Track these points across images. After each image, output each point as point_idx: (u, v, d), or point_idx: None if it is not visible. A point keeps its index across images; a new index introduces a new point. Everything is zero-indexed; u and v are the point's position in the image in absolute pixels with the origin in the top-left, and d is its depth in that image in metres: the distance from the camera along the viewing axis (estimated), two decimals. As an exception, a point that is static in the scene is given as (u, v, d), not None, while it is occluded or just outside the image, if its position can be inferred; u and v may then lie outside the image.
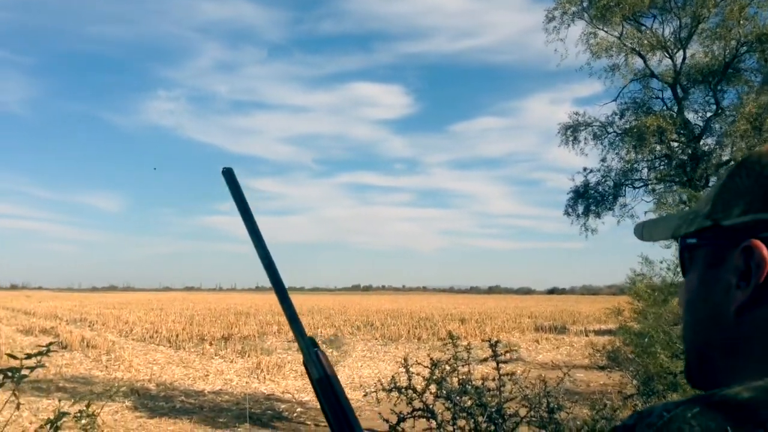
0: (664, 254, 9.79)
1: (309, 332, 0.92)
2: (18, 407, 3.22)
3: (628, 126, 12.73)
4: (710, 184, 11.51)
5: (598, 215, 13.53)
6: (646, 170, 13.24)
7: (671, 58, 12.42)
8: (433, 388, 5.33)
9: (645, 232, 0.79)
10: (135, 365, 15.67)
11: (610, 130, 13.25)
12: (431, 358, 5.55)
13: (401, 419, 5.09)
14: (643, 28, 12.78)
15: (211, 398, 11.95)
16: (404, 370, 5.48)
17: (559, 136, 13.78)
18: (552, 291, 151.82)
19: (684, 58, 12.30)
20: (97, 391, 11.54)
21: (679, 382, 6.51)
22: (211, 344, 20.77)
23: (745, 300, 0.61)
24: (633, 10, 11.89)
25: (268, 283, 0.98)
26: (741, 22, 11.22)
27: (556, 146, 17.68)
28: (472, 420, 5.05)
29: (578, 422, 5.47)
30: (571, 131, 13.64)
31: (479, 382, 5.27)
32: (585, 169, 13.60)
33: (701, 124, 12.65)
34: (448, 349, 5.61)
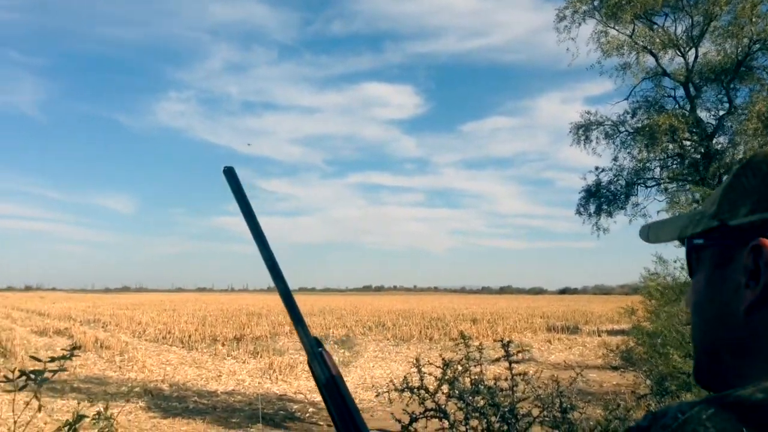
0: (678, 253, 9.73)
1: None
2: (40, 410, 3.23)
3: (640, 125, 12.65)
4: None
5: (610, 214, 13.44)
6: (658, 169, 13.15)
7: (683, 56, 12.33)
8: (445, 388, 5.34)
9: (651, 234, 0.79)
10: (148, 366, 15.79)
11: (621, 129, 13.16)
12: (443, 359, 5.55)
13: (413, 419, 5.10)
14: (655, 26, 12.69)
15: (223, 399, 12.01)
16: (416, 370, 5.49)
17: (571, 135, 13.72)
18: (564, 291, 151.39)
19: (696, 57, 12.19)
20: (111, 392, 11.65)
21: (692, 382, 6.47)
22: (223, 345, 20.85)
23: (754, 299, 0.62)
24: (644, 8, 11.81)
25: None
26: (753, 19, 11.12)
27: (567, 145, 17.65)
28: (485, 420, 5.05)
29: (591, 422, 5.45)
30: (583, 130, 13.58)
31: (492, 382, 5.26)
32: (597, 168, 13.52)
33: (714, 122, 12.54)
34: (460, 350, 5.61)
